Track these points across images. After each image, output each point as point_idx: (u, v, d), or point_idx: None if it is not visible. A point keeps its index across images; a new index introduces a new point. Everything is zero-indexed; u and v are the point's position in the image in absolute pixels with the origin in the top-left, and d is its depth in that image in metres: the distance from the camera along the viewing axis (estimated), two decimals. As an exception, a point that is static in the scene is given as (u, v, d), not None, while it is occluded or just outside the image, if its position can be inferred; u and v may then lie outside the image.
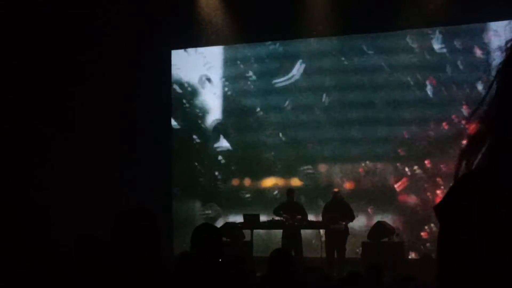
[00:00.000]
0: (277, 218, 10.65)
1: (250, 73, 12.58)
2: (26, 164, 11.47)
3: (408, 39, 11.57)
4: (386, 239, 10.23)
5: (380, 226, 10.37)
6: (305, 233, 10.65)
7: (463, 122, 10.80)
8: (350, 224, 10.52)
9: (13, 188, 10.49)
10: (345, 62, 12.02)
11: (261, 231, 11.03)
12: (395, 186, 11.42)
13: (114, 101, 11.95)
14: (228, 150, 12.57)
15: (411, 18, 10.95)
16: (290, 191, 10.84)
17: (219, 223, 11.41)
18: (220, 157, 12.60)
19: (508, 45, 0.88)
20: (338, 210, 10.32)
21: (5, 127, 11.54)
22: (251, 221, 10.64)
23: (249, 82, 12.59)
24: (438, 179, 11.07)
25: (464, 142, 0.87)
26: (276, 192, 12.05)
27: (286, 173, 12.13)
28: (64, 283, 2.75)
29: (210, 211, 12.55)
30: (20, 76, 11.58)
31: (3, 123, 11.53)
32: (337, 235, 10.18)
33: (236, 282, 3.36)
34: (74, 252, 3.37)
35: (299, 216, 10.43)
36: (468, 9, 10.47)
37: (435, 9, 10.86)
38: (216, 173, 12.63)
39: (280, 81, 12.34)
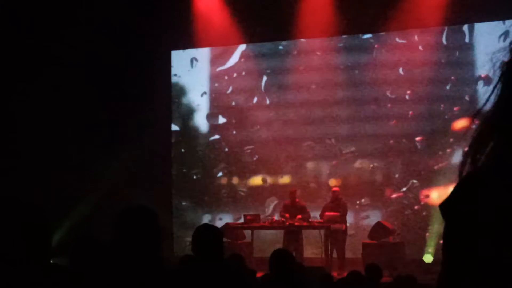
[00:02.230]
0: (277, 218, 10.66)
1: (252, 72, 12.57)
2: (26, 164, 11.47)
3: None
4: (386, 239, 10.22)
5: (380, 226, 10.37)
6: (306, 233, 10.64)
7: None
8: (350, 224, 10.52)
9: (12, 188, 10.49)
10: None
11: (262, 231, 11.02)
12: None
13: (114, 100, 11.95)
14: (226, 149, 12.55)
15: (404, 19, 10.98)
16: (292, 192, 10.84)
17: (219, 223, 11.40)
18: (220, 157, 12.58)
19: (512, 45, 0.88)
20: (337, 209, 10.32)
21: (5, 129, 11.55)
22: (252, 221, 10.64)
23: (249, 80, 12.58)
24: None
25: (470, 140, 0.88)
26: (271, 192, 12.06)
27: (284, 171, 12.13)
28: (64, 283, 2.75)
29: (208, 211, 12.54)
30: (18, 76, 11.59)
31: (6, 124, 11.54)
32: (336, 235, 10.17)
33: (236, 282, 3.37)
34: (75, 252, 3.37)
35: (299, 216, 10.42)
36: (467, 9, 10.48)
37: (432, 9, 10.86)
38: (216, 173, 12.62)
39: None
